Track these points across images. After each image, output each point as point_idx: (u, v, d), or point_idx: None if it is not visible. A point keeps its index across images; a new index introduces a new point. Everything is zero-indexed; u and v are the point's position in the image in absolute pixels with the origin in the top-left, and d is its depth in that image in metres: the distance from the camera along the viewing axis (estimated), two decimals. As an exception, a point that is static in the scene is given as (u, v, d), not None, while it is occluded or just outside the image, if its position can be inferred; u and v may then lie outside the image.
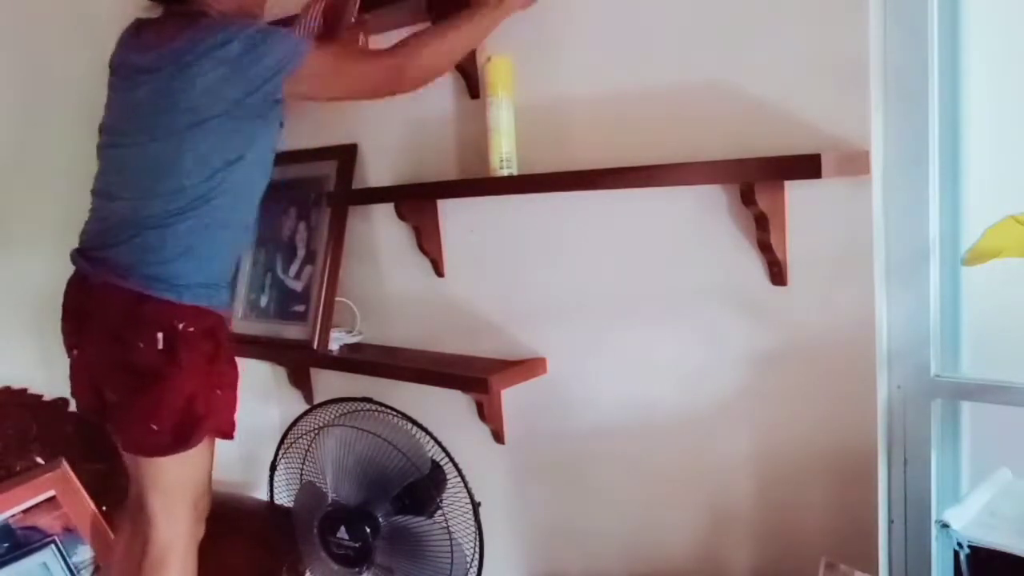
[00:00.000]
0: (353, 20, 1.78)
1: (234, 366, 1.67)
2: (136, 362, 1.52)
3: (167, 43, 1.52)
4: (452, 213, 1.96)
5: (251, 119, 1.56)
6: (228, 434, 1.67)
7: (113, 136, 1.61)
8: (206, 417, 1.58)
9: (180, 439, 1.56)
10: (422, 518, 1.69)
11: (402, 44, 1.60)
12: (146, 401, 1.54)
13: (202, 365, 1.57)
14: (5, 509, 1.80)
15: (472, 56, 1.82)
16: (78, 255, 1.63)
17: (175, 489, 1.62)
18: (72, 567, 1.82)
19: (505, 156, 1.72)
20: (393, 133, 2.04)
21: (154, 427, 1.54)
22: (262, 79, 1.50)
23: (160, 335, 1.52)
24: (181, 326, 1.54)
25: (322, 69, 1.55)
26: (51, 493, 1.86)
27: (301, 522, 1.83)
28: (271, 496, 1.94)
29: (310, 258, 2.16)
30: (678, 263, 1.62)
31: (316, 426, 1.80)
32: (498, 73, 1.71)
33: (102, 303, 1.56)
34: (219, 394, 1.61)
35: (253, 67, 1.49)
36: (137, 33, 1.61)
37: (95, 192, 1.65)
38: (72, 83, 1.99)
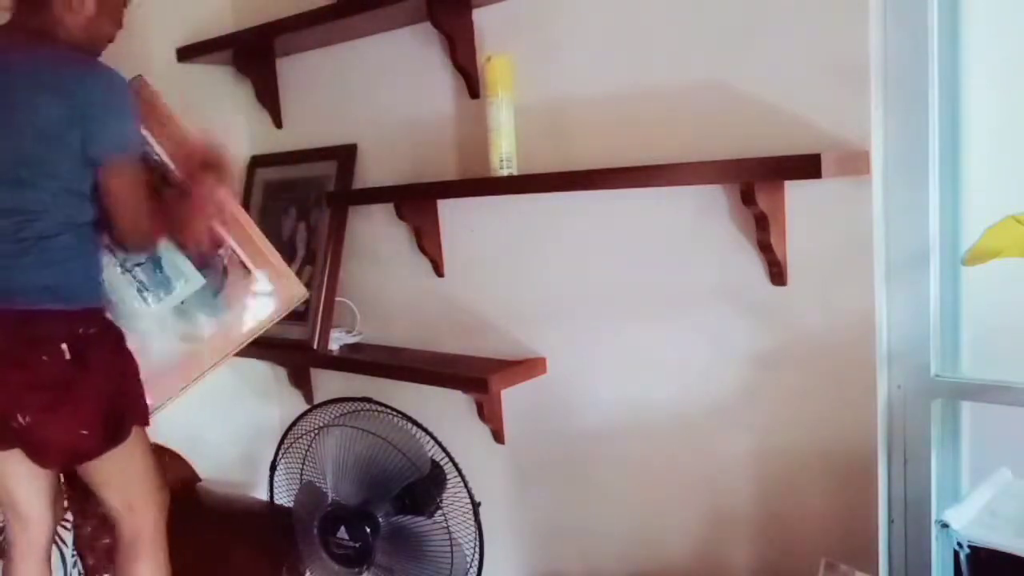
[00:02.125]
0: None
1: (129, 353, 1.68)
2: (45, 378, 1.51)
3: (19, 56, 1.51)
4: (452, 213, 1.96)
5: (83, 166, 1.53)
6: (146, 421, 1.70)
7: None
8: (129, 410, 1.62)
9: (112, 435, 1.58)
10: (422, 518, 1.69)
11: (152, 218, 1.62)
12: (67, 411, 1.53)
13: (112, 362, 1.60)
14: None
15: (472, 56, 1.83)
16: None
17: (133, 481, 1.65)
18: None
19: (505, 156, 1.72)
20: (393, 133, 2.04)
21: (84, 432, 1.54)
22: (91, 142, 1.49)
23: (64, 346, 1.51)
24: (82, 330, 1.54)
25: (131, 182, 1.56)
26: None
27: (301, 522, 1.83)
28: (271, 496, 1.94)
29: (310, 258, 2.16)
30: (678, 263, 1.62)
31: (316, 426, 1.80)
32: (498, 73, 1.71)
33: None
34: (132, 384, 1.65)
35: (87, 126, 1.48)
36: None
37: None
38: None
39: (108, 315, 1.66)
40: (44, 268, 1.53)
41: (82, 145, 1.50)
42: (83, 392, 1.53)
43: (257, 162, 2.36)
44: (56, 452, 1.58)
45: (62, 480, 1.78)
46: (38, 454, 1.59)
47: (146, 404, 1.70)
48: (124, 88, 1.56)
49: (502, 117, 1.71)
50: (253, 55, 2.20)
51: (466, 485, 1.67)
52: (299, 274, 2.18)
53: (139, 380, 1.68)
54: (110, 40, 1.66)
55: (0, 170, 1.51)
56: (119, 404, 1.59)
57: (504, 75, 1.71)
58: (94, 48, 1.62)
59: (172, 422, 1.89)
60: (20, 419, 1.52)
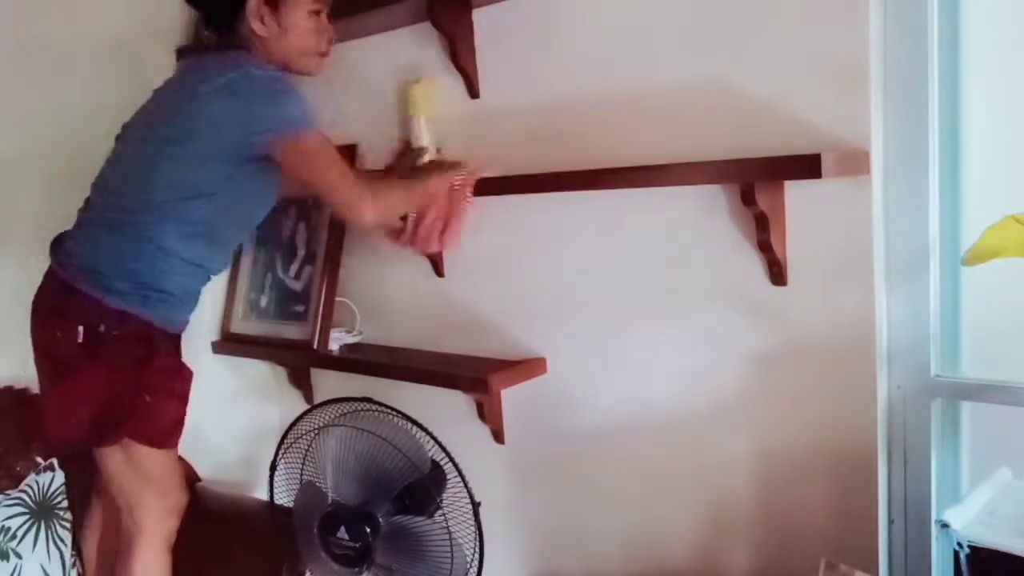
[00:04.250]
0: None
1: (176, 377, 1.66)
2: (54, 351, 1.56)
3: (196, 64, 1.62)
4: (452, 213, 1.96)
5: (230, 161, 1.56)
6: (159, 443, 1.65)
7: (121, 134, 1.68)
8: (127, 420, 1.58)
9: (95, 435, 1.58)
10: (422, 518, 1.69)
11: (375, 180, 1.71)
12: (61, 391, 1.58)
13: (127, 368, 1.57)
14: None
15: (472, 56, 1.83)
16: (54, 242, 1.67)
17: (132, 484, 1.65)
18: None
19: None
20: (393, 133, 2.04)
21: (70, 419, 1.57)
22: (251, 128, 1.53)
23: (81, 328, 1.54)
24: (103, 328, 1.55)
25: (311, 152, 1.56)
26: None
27: (301, 522, 1.83)
28: (271, 496, 1.94)
29: (310, 258, 2.16)
30: (678, 263, 1.62)
31: (316, 426, 1.80)
32: (419, 96, 1.90)
33: (43, 288, 1.63)
34: (148, 400, 1.60)
35: (248, 113, 1.52)
36: (193, 59, 1.68)
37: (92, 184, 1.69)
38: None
39: (158, 331, 1.61)
40: (85, 246, 1.60)
41: (231, 133, 1.52)
42: (79, 380, 1.55)
43: (257, 162, 2.36)
44: (47, 424, 1.63)
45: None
46: (44, 421, 1.64)
47: (165, 428, 1.65)
48: (275, 78, 1.56)
49: (424, 133, 1.91)
50: (253, 55, 2.19)
51: (466, 485, 1.67)
52: (299, 274, 2.18)
53: (170, 404, 1.64)
54: (306, 58, 1.69)
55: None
56: (117, 410, 1.57)
57: (424, 98, 1.91)
58: (288, 65, 1.66)
59: (172, 422, 1.89)
60: (39, 378, 1.63)
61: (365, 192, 1.60)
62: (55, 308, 1.58)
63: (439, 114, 1.91)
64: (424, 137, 1.91)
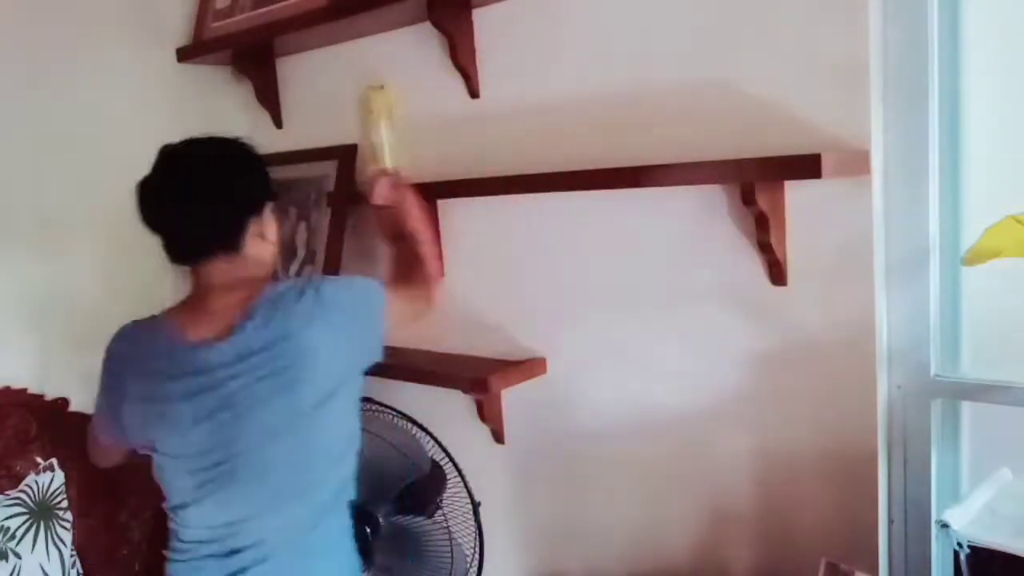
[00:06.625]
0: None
1: None
2: None
3: (241, 322, 1.32)
4: (452, 213, 1.96)
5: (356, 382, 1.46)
6: None
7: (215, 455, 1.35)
8: None
9: None
10: (422, 518, 1.69)
11: (415, 278, 1.64)
12: None
13: None
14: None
15: (472, 56, 1.83)
16: None
17: None
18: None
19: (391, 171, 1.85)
20: (393, 133, 2.04)
21: None
22: (376, 329, 1.45)
23: None
24: None
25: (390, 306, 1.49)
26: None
27: (301, 522, 1.83)
28: (271, 496, 1.94)
29: (310, 258, 2.16)
30: (678, 263, 1.62)
31: (316, 426, 1.80)
32: (378, 101, 1.88)
33: None
34: None
35: (365, 321, 1.43)
36: (180, 327, 1.37)
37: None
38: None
39: None
40: None
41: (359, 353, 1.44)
42: None
43: (257, 162, 2.36)
44: None
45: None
46: None
47: None
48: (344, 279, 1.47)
49: (383, 138, 1.87)
50: (253, 55, 2.20)
51: (466, 485, 1.67)
52: (299, 274, 2.18)
53: None
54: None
55: None
56: None
57: (383, 103, 1.88)
58: (272, 270, 1.51)
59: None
60: None
61: (430, 292, 1.65)
62: None
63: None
64: (385, 144, 1.89)
